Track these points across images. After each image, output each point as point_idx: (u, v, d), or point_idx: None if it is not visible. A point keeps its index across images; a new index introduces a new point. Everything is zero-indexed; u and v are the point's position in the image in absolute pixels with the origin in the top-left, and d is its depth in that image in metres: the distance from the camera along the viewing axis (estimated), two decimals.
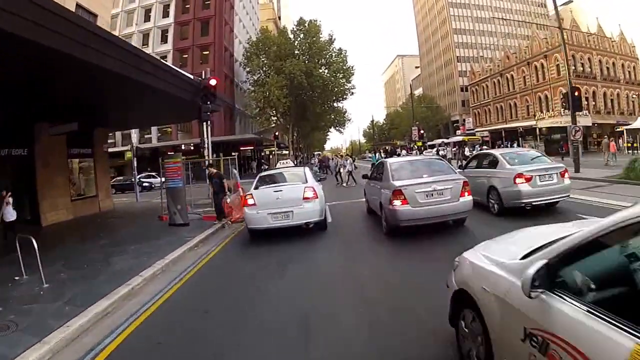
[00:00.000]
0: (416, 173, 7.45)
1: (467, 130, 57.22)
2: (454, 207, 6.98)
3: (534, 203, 7.93)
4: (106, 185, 17.00)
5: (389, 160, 8.66)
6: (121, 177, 31.68)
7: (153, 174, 30.13)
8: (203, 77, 11.77)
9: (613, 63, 48.20)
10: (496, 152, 10.38)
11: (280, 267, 6.17)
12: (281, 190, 8.09)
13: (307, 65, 35.53)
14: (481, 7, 74.88)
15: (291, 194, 8.01)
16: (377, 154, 37.59)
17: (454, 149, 43.27)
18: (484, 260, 2.56)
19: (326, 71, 37.56)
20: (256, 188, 8.52)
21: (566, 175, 8.39)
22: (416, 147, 39.39)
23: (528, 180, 7.95)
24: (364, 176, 10.59)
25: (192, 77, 11.64)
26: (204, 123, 11.77)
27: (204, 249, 8.05)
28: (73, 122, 11.51)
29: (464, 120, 63.45)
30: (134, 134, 21.76)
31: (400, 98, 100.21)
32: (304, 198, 7.96)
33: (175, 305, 5.00)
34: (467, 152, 37.70)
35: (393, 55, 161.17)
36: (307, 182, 8.51)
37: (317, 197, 8.10)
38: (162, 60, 32.44)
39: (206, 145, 11.80)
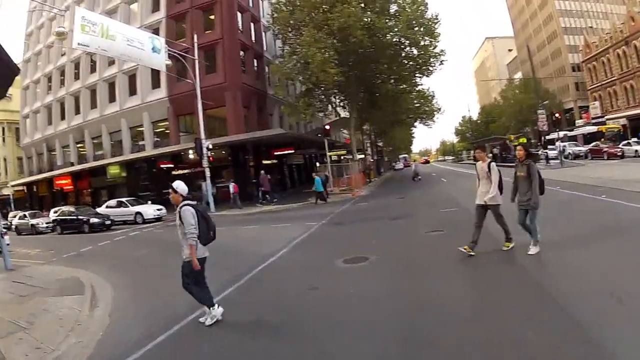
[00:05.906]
0: None
1: (593, 118, 41.31)
2: None
3: None
4: None
5: None
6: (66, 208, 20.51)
7: (123, 200, 19.93)
8: None
9: None
10: None
11: None
12: None
13: (366, 16, 21.19)
14: None
15: None
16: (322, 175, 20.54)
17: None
18: None
19: (396, 25, 22.36)
20: None
21: None
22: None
23: None
24: None
25: None
26: None
27: None
28: None
29: (586, 107, 47.11)
30: None
31: (494, 87, 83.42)
32: None
33: None
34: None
35: (480, 40, 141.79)
36: None
37: None
38: (153, 34, 22.61)
39: None
